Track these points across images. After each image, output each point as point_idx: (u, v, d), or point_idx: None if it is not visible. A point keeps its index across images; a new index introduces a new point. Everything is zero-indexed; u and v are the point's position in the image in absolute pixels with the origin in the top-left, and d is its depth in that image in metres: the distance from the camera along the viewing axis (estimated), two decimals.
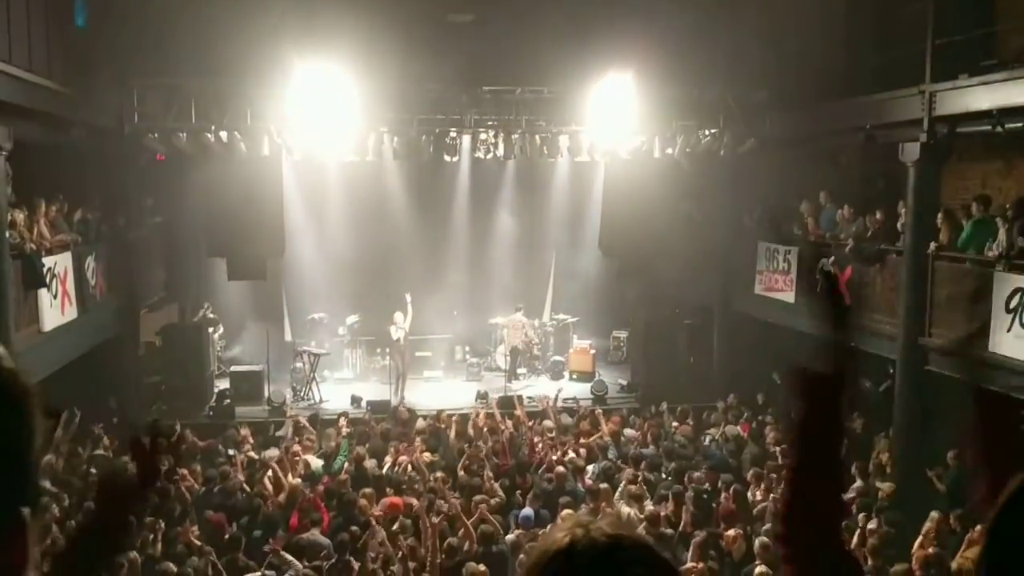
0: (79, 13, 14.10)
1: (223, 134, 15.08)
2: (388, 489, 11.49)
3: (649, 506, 10.52)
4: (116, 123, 14.66)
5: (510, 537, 9.75)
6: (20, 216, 11.90)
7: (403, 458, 12.41)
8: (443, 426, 13.88)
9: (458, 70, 15.59)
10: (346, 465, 12.28)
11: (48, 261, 12.37)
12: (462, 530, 9.59)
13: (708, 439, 13.90)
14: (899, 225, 13.15)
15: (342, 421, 13.85)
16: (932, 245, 12.04)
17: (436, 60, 15.52)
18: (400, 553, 9.12)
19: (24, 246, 11.69)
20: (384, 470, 12.27)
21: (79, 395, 13.82)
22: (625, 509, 10.38)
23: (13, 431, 0.81)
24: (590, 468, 12.39)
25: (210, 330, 17.75)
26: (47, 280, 12.15)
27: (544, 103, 15.76)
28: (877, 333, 13.28)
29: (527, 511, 10.47)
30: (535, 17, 15.65)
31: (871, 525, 9.74)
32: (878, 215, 13.59)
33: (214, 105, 14.72)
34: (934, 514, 10.04)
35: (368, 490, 11.12)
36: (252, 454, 12.87)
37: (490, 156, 16.72)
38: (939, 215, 12.13)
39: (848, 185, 15.77)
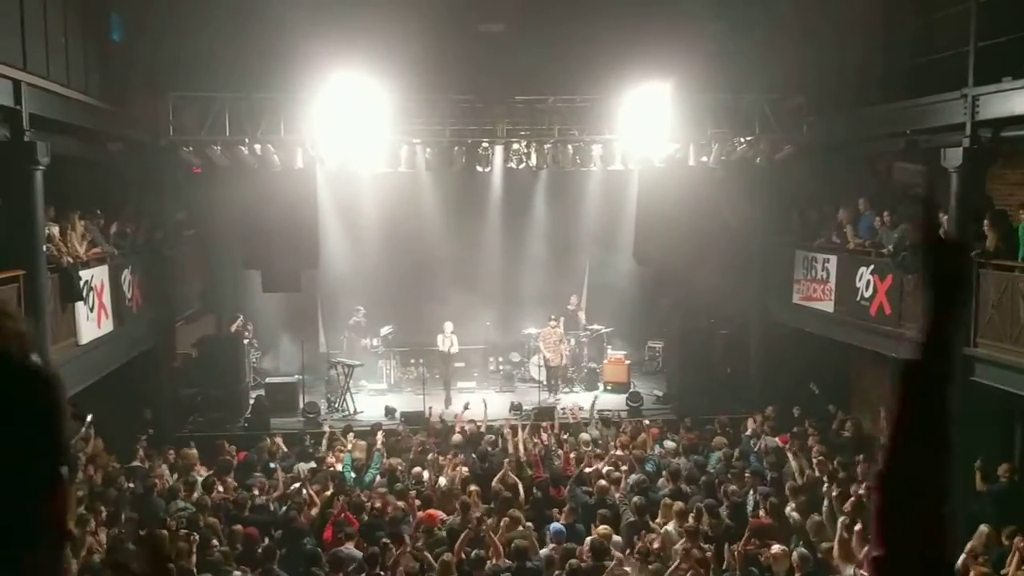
0: (115, 28, 14.27)
1: (257, 147, 15.17)
2: (416, 500, 11.41)
3: (688, 520, 10.33)
4: (152, 136, 14.81)
5: (544, 552, 9.61)
6: (56, 230, 12.01)
7: (425, 473, 12.37)
8: (479, 439, 13.78)
9: (490, 80, 15.56)
10: (377, 477, 12.24)
11: (85, 274, 12.48)
12: (491, 545, 9.49)
13: (751, 452, 13.65)
14: (941, 232, 12.81)
15: (379, 435, 13.76)
16: (974, 252, 11.72)
17: (468, 70, 15.51)
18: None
19: (61, 259, 11.80)
20: (415, 483, 12.19)
21: (115, 407, 13.94)
22: (668, 527, 10.23)
23: (52, 404, 1.00)
24: (624, 482, 12.22)
25: (245, 342, 17.81)
26: (84, 293, 12.26)
27: (576, 112, 15.65)
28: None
29: (557, 525, 10.33)
30: (566, 26, 15.57)
31: None
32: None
33: (248, 118, 14.80)
34: (983, 528, 9.78)
35: (400, 503, 11.08)
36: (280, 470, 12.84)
37: (522, 166, 16.64)
38: (985, 220, 11.80)
39: (887, 192, 15.46)
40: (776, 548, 9.32)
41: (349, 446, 13.54)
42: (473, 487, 11.57)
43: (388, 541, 9.56)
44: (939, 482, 1.31)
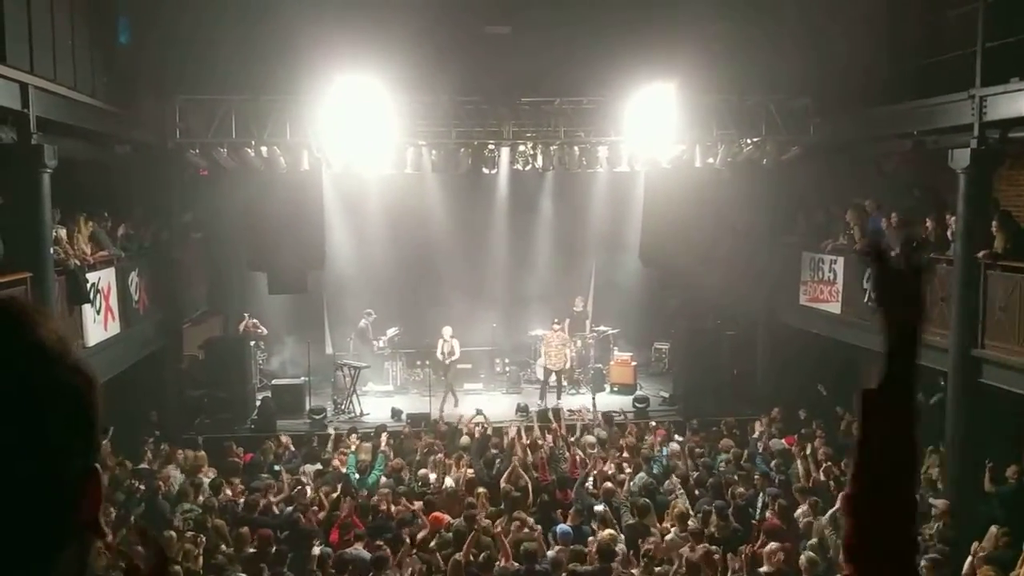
0: (122, 31, 14.31)
1: (263, 149, 15.21)
2: (416, 502, 11.40)
3: (691, 523, 10.31)
4: (159, 139, 14.83)
5: (550, 554, 9.60)
6: (63, 232, 12.04)
7: (431, 474, 12.37)
8: (486, 441, 13.79)
9: (496, 82, 15.55)
10: (382, 479, 12.24)
11: (92, 277, 12.52)
12: (501, 547, 9.49)
13: (757, 453, 13.63)
14: (949, 233, 12.80)
15: (383, 437, 13.79)
16: (981, 253, 11.69)
17: (474, 72, 15.49)
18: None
19: (68, 262, 11.83)
20: (421, 484, 12.20)
21: (122, 409, 13.95)
22: (671, 532, 10.21)
23: (90, 402, 1.02)
24: (629, 483, 12.20)
25: (251, 343, 17.83)
26: (91, 296, 12.29)
27: (582, 113, 15.65)
28: (928, 344, 12.93)
29: (564, 527, 10.33)
30: (572, 28, 15.55)
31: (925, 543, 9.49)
32: (928, 223, 13.25)
33: (254, 120, 14.83)
34: (993, 529, 9.76)
35: (400, 506, 11.09)
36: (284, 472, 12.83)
37: (528, 168, 16.64)
38: (994, 221, 11.75)
39: (894, 193, 15.42)
40: (772, 546, 9.30)
41: (353, 447, 13.56)
42: (481, 489, 11.58)
43: (381, 543, 9.59)
44: (906, 507, 1.34)
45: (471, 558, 9.37)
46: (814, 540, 9.85)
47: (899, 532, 1.33)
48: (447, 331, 17.53)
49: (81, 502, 1.01)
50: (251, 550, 9.85)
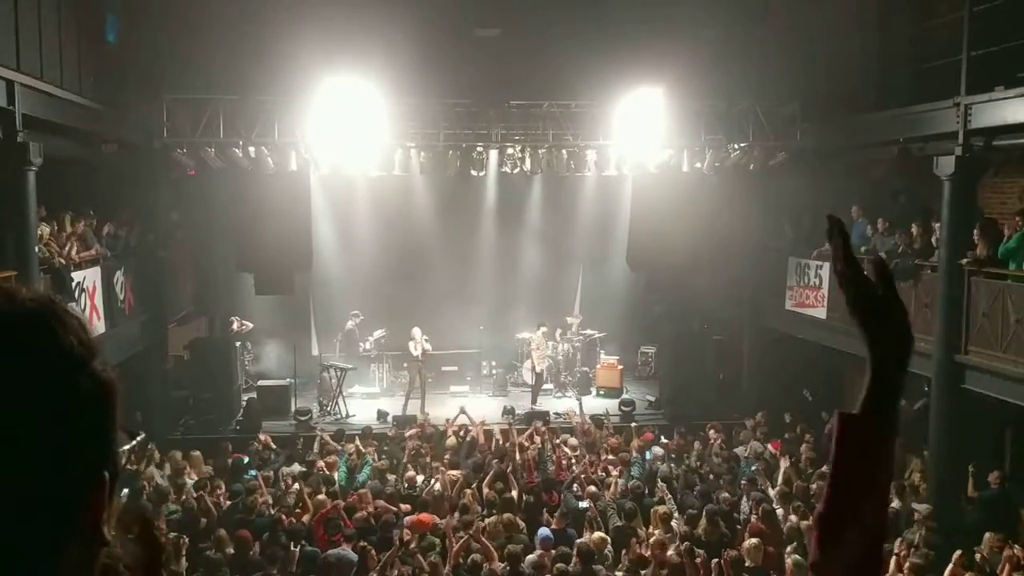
0: (110, 30, 14.25)
1: (251, 149, 15.15)
2: (403, 505, 11.38)
3: (677, 526, 10.33)
4: (145, 138, 14.76)
5: (531, 557, 9.56)
6: (47, 231, 11.97)
7: (418, 477, 12.35)
8: (468, 439, 13.80)
9: (485, 84, 15.58)
10: (369, 481, 12.20)
11: (77, 275, 12.45)
12: (483, 549, 9.48)
13: (742, 457, 13.67)
14: (934, 240, 12.90)
15: (357, 440, 13.77)
16: (965, 259, 11.77)
17: (463, 74, 15.52)
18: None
19: (53, 260, 11.76)
20: (407, 486, 12.17)
21: None
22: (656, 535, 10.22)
23: (107, 409, 1.00)
24: (615, 486, 12.20)
25: (238, 344, 17.75)
26: (75, 295, 12.22)
27: (571, 117, 15.67)
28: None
29: (544, 531, 10.31)
30: (561, 31, 15.61)
31: (902, 547, 9.58)
32: (913, 230, 13.34)
33: (242, 120, 14.78)
34: (988, 536, 9.82)
35: (388, 506, 11.07)
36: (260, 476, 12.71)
37: (517, 171, 16.64)
38: (976, 228, 11.84)
39: (880, 199, 15.52)
40: (751, 541, 9.35)
41: (351, 448, 13.50)
42: (468, 491, 11.56)
43: (366, 545, 9.57)
44: (875, 529, 1.29)
45: (459, 561, 9.36)
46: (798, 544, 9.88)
47: (866, 553, 1.29)
48: (417, 332, 17.21)
49: (85, 508, 0.99)
50: (230, 551, 9.81)
